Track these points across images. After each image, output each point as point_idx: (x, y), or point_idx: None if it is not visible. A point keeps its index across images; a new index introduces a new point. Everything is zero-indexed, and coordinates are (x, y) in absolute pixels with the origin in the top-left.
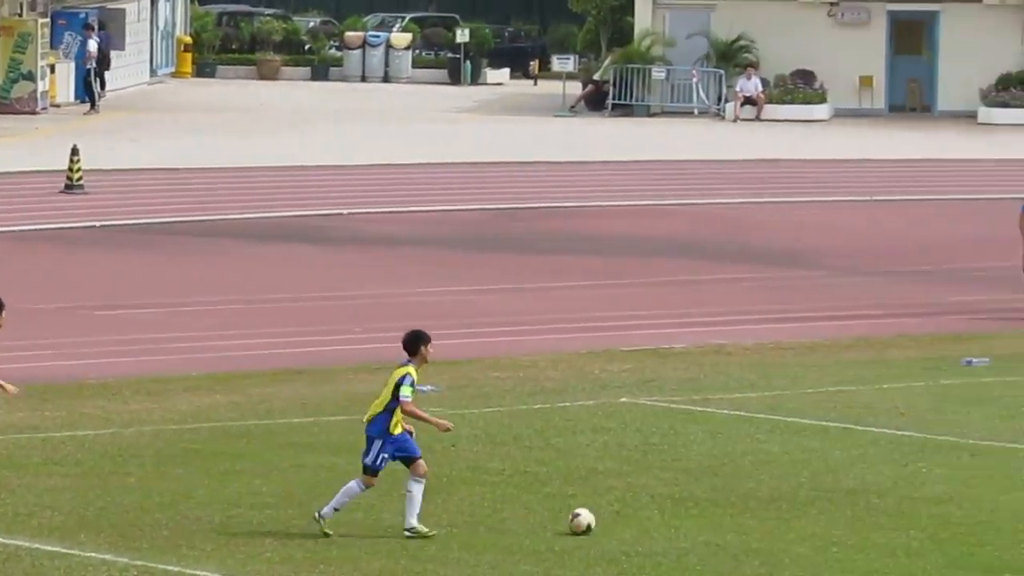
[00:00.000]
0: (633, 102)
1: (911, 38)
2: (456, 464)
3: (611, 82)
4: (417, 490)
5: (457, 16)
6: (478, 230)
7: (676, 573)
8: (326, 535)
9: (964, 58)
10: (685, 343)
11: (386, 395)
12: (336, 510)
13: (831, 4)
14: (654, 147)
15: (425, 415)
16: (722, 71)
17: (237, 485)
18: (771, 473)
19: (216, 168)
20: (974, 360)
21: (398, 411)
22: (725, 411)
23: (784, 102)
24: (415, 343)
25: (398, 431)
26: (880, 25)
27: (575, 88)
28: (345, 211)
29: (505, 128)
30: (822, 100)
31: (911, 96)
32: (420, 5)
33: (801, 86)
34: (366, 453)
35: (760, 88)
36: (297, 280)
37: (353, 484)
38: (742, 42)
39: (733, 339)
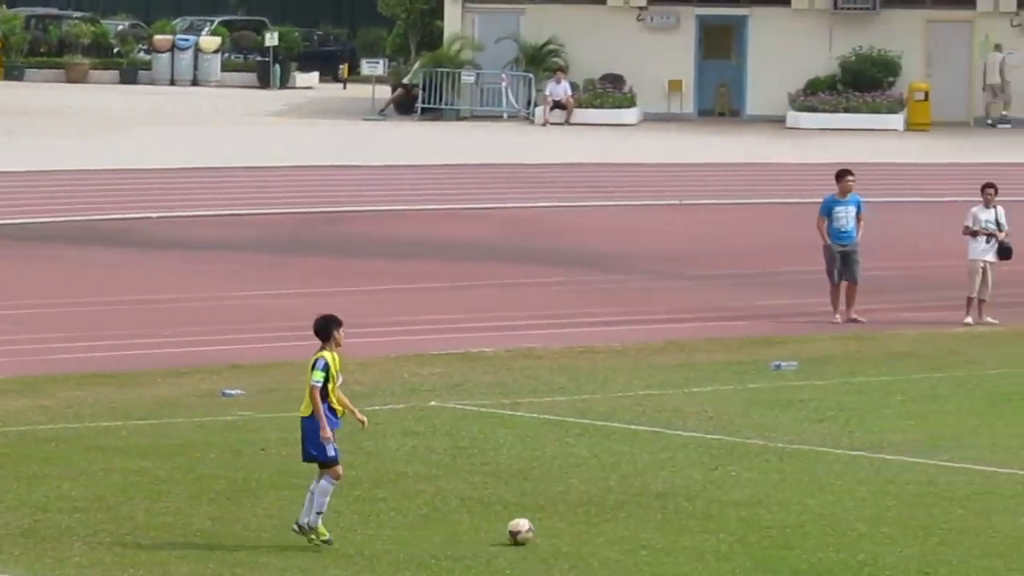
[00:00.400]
0: (442, 106)
1: (720, 42)
2: (266, 468)
3: (420, 86)
4: (327, 489)
5: (266, 20)
6: (289, 234)
7: None
8: (327, 543)
9: (772, 63)
10: (495, 347)
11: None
12: (319, 513)
13: (640, 8)
14: (464, 151)
15: (319, 404)
16: (531, 75)
17: (46, 488)
18: (580, 476)
19: (23, 172)
20: (783, 364)
21: (331, 393)
22: (535, 415)
23: (593, 106)
24: (327, 329)
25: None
26: (689, 29)
27: (384, 92)
28: (154, 215)
29: (315, 132)
30: (631, 104)
31: (720, 100)
32: (229, 9)
33: (610, 90)
34: (314, 449)
35: (569, 92)
36: (104, 284)
37: (324, 483)
38: (551, 46)
39: (543, 343)
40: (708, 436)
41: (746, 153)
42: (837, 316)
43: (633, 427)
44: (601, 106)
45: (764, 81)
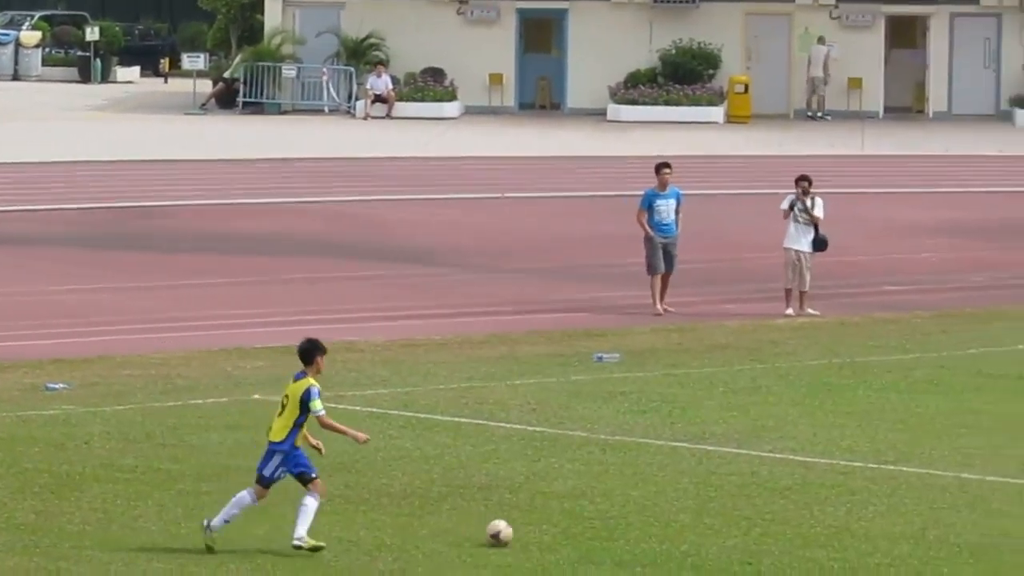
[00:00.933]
0: (264, 100)
1: (540, 36)
2: (89, 461)
3: (242, 80)
4: (312, 504)
5: (87, 14)
6: (109, 229)
7: (310, 569)
8: (210, 549)
9: (593, 56)
10: None
11: (292, 410)
12: (226, 522)
13: (460, 2)
14: (285, 145)
15: (342, 427)
16: (352, 69)
17: None
18: (404, 469)
19: None
20: (604, 356)
21: (304, 426)
22: (358, 408)
23: (414, 100)
24: (310, 353)
25: (298, 444)
26: (509, 23)
27: (206, 86)
28: None
29: (136, 126)
30: (452, 98)
31: (541, 94)
32: (49, 3)
33: (431, 84)
34: (264, 464)
35: (390, 86)
36: None
37: (244, 494)
38: (372, 40)
39: (365, 336)
40: (531, 428)
41: (567, 146)
42: (659, 307)
43: (456, 419)
44: (422, 100)
45: (584, 74)
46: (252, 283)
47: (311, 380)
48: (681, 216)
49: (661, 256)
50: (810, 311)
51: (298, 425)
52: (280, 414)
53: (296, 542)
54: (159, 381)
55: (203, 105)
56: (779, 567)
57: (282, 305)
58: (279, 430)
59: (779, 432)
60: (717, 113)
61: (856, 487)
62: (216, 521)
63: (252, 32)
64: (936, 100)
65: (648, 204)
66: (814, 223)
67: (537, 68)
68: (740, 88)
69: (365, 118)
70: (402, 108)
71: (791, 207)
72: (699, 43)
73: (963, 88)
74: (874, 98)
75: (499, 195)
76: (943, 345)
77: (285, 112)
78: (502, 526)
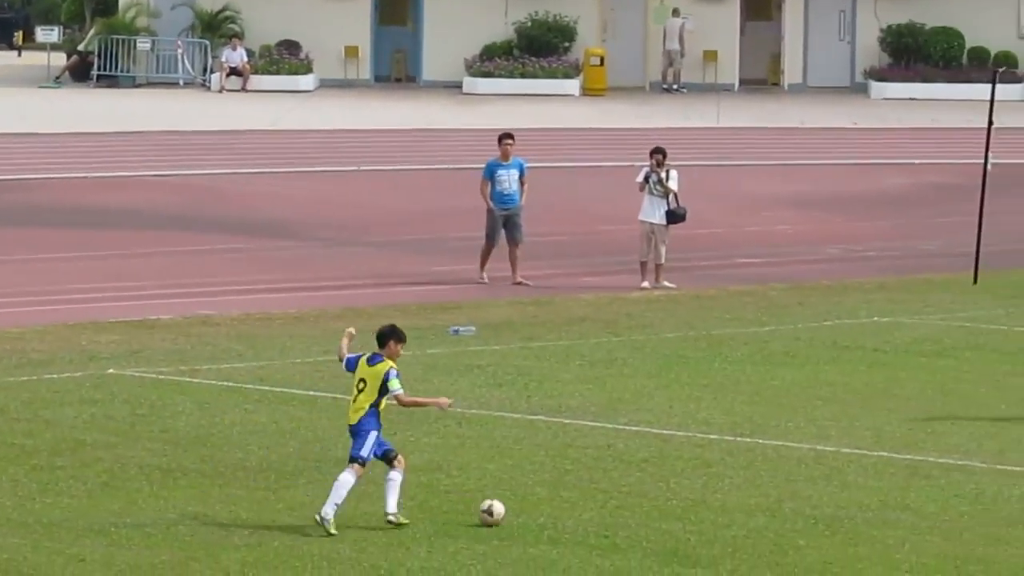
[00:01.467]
0: (119, 73)
1: (396, 9)
2: None
3: (96, 53)
4: (397, 478)
5: None
6: None
7: (165, 544)
8: (331, 535)
9: (449, 29)
10: (172, 314)
11: (371, 393)
12: (337, 505)
13: None
14: (140, 118)
15: (424, 400)
16: (207, 42)
17: None
18: (260, 443)
19: None
20: (461, 329)
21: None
22: (213, 382)
23: (270, 73)
24: (385, 338)
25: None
26: None
27: (60, 59)
28: None
29: None
30: (308, 71)
31: (396, 67)
32: None
33: (287, 57)
34: (359, 447)
35: (245, 59)
36: None
37: (348, 476)
38: (227, 12)
39: (220, 310)
40: (387, 401)
41: (423, 119)
42: (484, 275)
43: (312, 393)
44: (277, 73)
45: (440, 47)
46: (108, 257)
47: (390, 362)
48: (525, 187)
49: (500, 227)
50: (666, 284)
51: (375, 406)
52: (355, 399)
53: (390, 518)
54: (13, 355)
55: (57, 78)
56: (635, 539)
57: (138, 279)
58: (358, 415)
59: (635, 405)
60: (573, 86)
61: (712, 459)
62: (327, 510)
63: (107, 5)
64: (791, 72)
65: (490, 174)
66: (669, 195)
67: (393, 41)
68: (596, 61)
69: (220, 91)
70: (257, 81)
71: (646, 179)
72: (555, 16)
73: (818, 60)
74: (730, 70)
75: (355, 168)
76: (799, 317)
77: (140, 85)
78: (494, 503)
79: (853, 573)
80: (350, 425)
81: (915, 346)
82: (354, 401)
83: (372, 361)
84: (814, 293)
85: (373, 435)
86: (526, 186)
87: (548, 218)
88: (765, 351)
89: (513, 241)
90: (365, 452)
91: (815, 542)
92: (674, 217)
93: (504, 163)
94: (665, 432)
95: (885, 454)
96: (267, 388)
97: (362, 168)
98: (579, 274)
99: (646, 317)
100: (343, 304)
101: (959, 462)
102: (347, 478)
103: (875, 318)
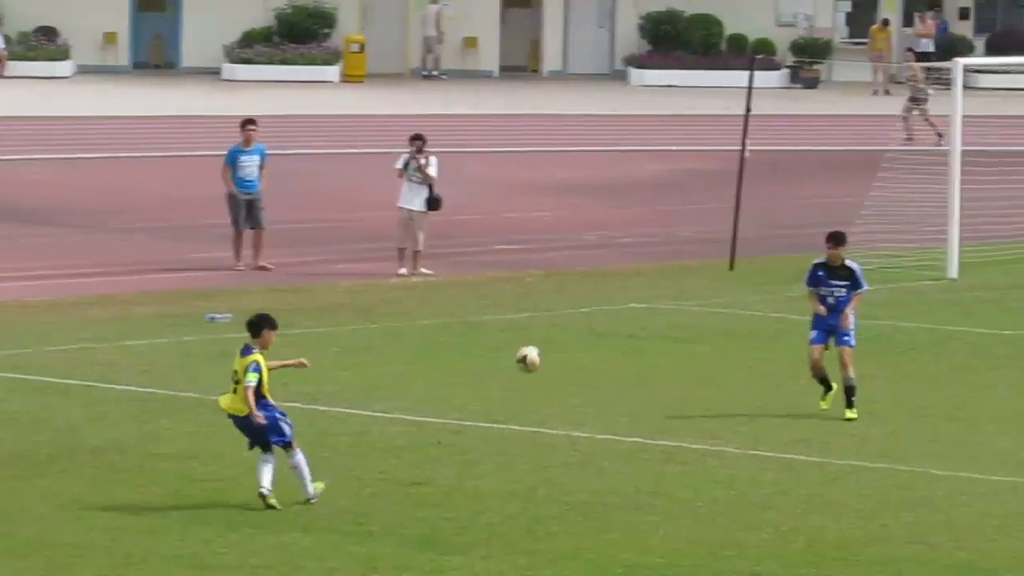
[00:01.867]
0: None
1: None
2: None
3: None
4: (302, 459)
5: None
6: None
7: None
8: (309, 502)
9: (207, 14)
10: None
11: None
12: (312, 482)
13: None
14: None
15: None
16: None
17: None
18: (12, 431)
19: None
20: (216, 316)
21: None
22: None
23: (26, 59)
24: (258, 327)
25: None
26: None
27: None
28: None
29: None
30: (65, 57)
31: (154, 52)
32: None
33: (44, 43)
34: (278, 433)
35: (2, 45)
36: None
37: (299, 459)
38: None
39: None
40: (142, 390)
41: (180, 106)
42: (240, 264)
43: (66, 381)
44: (34, 59)
45: (199, 32)
46: None
47: (257, 356)
48: (266, 172)
49: (243, 213)
50: (423, 270)
51: (259, 396)
52: (234, 390)
53: (312, 499)
54: None
55: None
56: (390, 527)
57: None
58: (236, 403)
59: (391, 391)
60: (332, 72)
61: (467, 446)
62: (310, 490)
63: None
64: (551, 59)
65: (232, 160)
66: (428, 182)
67: (151, 26)
68: (355, 47)
69: None
70: (13, 67)
71: (405, 166)
72: (315, 2)
73: (578, 48)
74: (490, 57)
75: (110, 155)
76: (556, 303)
77: None
78: (529, 351)
79: (606, 559)
80: (234, 416)
81: (671, 332)
82: (234, 392)
83: (244, 352)
84: (571, 280)
85: (274, 417)
86: (266, 171)
87: (307, 205)
88: (522, 337)
89: (256, 225)
90: (288, 434)
91: (569, 528)
92: (433, 203)
93: (246, 149)
94: (420, 419)
95: (640, 440)
96: (21, 376)
97: (118, 155)
98: (337, 261)
99: (403, 304)
100: (98, 291)
101: (713, 448)
102: (300, 461)
103: (631, 304)
